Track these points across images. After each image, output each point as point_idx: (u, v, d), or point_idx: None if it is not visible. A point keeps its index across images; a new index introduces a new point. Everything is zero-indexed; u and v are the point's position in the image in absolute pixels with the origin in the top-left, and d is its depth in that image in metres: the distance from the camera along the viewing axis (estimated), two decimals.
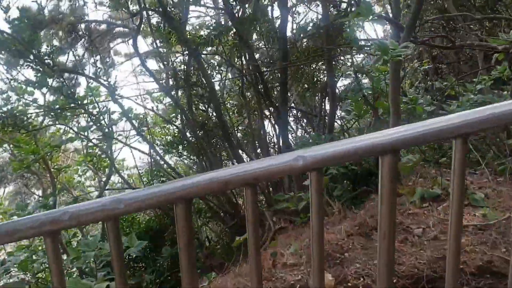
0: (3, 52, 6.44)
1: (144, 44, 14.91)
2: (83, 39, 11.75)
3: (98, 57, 7.28)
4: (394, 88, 3.64)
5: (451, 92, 5.26)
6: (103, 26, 12.58)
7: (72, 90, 7.25)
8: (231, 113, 8.19)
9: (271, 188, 6.86)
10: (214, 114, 7.11)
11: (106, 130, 7.52)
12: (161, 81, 7.95)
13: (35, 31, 6.59)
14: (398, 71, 3.72)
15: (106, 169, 8.78)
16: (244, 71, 7.24)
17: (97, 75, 7.08)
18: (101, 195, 8.17)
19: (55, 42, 12.05)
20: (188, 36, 6.77)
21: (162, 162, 7.78)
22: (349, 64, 7.48)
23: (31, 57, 6.43)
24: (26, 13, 6.66)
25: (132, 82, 12.07)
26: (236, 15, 6.58)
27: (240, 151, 7.17)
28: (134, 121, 7.81)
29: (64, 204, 9.71)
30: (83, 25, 12.15)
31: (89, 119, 7.60)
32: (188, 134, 7.80)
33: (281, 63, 6.21)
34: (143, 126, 7.73)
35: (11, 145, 7.74)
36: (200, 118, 7.48)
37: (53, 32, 11.98)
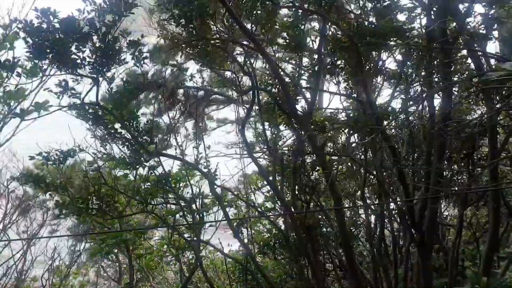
0: (99, 127, 5.74)
1: (239, 114, 14.45)
2: (179, 104, 11.37)
3: (200, 143, 6.35)
4: None
5: None
6: (201, 93, 12.22)
7: (165, 171, 6.38)
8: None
9: None
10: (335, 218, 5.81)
11: (197, 216, 6.54)
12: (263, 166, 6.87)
13: (136, 106, 5.90)
14: None
15: (191, 258, 7.75)
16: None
17: (197, 161, 6.16)
18: None
19: (151, 109, 11.77)
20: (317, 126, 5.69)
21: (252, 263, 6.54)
22: None
23: (127, 135, 5.68)
24: (128, 84, 6.02)
25: (224, 153, 11.16)
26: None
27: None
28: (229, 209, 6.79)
29: None
30: (181, 91, 11.87)
31: (180, 202, 6.66)
32: (287, 232, 6.55)
33: None
34: (241, 222, 6.60)
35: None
36: (311, 219, 6.19)
37: (152, 98, 11.76)
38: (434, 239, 5.43)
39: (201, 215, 6.61)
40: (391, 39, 5.13)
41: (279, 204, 7.14)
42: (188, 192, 6.71)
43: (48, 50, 4.50)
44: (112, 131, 5.53)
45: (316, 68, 5.73)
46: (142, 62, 5.58)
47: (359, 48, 4.91)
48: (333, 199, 5.81)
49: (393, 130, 5.40)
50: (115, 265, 10.49)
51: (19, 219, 7.91)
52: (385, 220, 6.25)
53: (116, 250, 6.96)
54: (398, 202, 5.49)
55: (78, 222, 10.63)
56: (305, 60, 6.56)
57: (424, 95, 5.45)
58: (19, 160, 7.61)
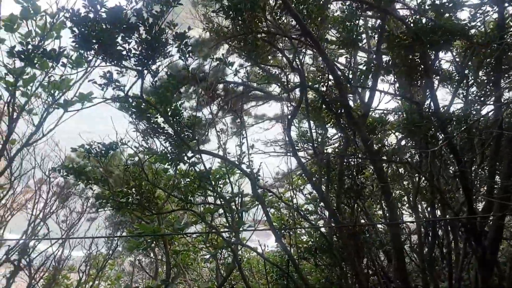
0: (141, 121, 5.61)
1: (278, 109, 14.18)
2: (219, 99, 11.25)
3: (244, 142, 6.11)
4: None
5: None
6: (240, 88, 12.04)
7: (205, 167, 6.20)
8: None
9: None
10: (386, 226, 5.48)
11: (236, 216, 6.34)
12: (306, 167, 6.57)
13: (177, 99, 5.73)
14: None
15: (227, 256, 7.58)
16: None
17: (240, 160, 5.95)
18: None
19: (191, 103, 11.69)
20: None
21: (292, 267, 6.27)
22: None
23: (170, 130, 5.53)
24: (171, 78, 5.87)
25: (262, 150, 10.91)
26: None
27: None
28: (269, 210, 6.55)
29: None
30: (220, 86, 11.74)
31: (219, 201, 6.47)
32: (331, 237, 6.25)
33: None
34: (283, 226, 6.35)
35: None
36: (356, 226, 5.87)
37: (192, 92, 11.68)
38: (497, 256, 5.01)
39: (240, 214, 6.42)
40: (455, 37, 4.73)
41: (321, 207, 6.86)
42: (228, 191, 6.53)
43: (94, 41, 4.37)
44: (155, 125, 5.39)
45: (372, 66, 5.38)
46: (187, 55, 5.42)
47: (421, 47, 4.55)
48: (387, 207, 5.47)
49: (455, 135, 4.99)
50: (151, 257, 10.54)
51: (59, 208, 7.96)
52: (438, 231, 5.88)
53: (153, 245, 6.88)
54: (461, 215, 5.09)
55: (116, 213, 10.73)
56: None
57: (490, 98, 5.03)
58: (61, 150, 7.65)
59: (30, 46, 4.19)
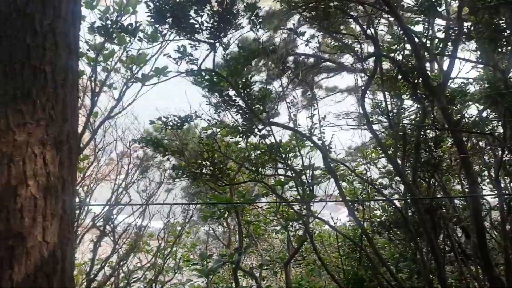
0: (214, 94, 5.71)
1: (350, 81, 13.81)
2: (289, 71, 11.14)
3: (315, 114, 6.01)
4: None
5: None
6: (311, 60, 11.83)
7: (276, 140, 6.21)
8: None
9: None
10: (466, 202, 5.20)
11: (307, 189, 6.32)
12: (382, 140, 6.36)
13: (248, 72, 5.75)
14: None
15: (297, 229, 7.61)
16: None
17: (311, 133, 5.89)
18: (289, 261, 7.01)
19: (261, 76, 11.68)
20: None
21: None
22: None
23: (241, 102, 5.59)
24: (242, 50, 5.89)
25: (333, 123, 10.69)
26: None
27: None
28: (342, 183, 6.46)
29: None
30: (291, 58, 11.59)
31: (290, 173, 6.48)
32: (406, 212, 6.05)
33: None
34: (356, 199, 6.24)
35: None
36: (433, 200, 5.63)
37: (262, 65, 11.67)
38: None
39: (311, 187, 6.40)
40: None
41: (397, 181, 6.65)
42: (298, 164, 6.52)
43: (168, 15, 4.48)
44: (226, 98, 5.46)
45: (452, 33, 5.03)
46: (258, 26, 5.39)
47: (509, 9, 4.16)
48: (467, 181, 5.18)
49: None
50: (224, 227, 10.90)
51: (139, 178, 8.42)
52: None
53: (226, 215, 7.08)
54: None
55: (191, 184, 11.15)
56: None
57: None
58: (140, 123, 8.02)
59: (108, 22, 4.38)
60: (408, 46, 5.50)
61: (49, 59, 2.04)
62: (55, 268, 1.98)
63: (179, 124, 5.39)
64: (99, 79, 5.14)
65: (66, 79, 2.12)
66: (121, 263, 8.00)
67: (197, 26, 4.63)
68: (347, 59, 11.32)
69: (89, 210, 7.26)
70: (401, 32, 5.55)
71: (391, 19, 8.18)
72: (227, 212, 6.55)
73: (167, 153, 5.30)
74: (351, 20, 7.01)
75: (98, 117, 5.76)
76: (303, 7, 5.58)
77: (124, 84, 5.22)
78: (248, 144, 6.70)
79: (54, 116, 2.04)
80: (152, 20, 4.52)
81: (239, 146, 7.02)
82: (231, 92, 5.52)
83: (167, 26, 4.67)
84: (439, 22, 7.47)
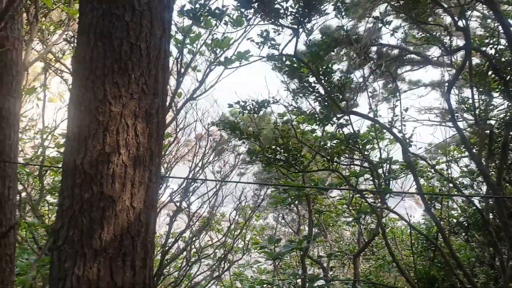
0: (293, 80, 5.72)
1: (435, 75, 13.13)
2: (371, 62, 10.81)
3: (397, 105, 5.81)
4: None
5: None
6: (395, 51, 11.39)
7: (353, 130, 6.10)
8: None
9: None
10: None
11: (383, 182, 6.16)
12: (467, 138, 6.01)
13: (329, 59, 5.68)
14: None
15: (369, 222, 7.47)
16: None
17: (391, 125, 5.71)
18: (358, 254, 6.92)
19: (343, 65, 11.46)
20: None
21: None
22: None
23: (320, 89, 5.54)
24: (325, 37, 5.83)
25: (415, 118, 10.25)
26: None
27: None
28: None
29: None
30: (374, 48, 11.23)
31: (367, 165, 6.34)
32: (487, 213, 5.69)
33: None
34: (434, 197, 5.98)
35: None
36: None
37: (343, 54, 11.44)
38: None
39: (387, 181, 6.22)
40: None
41: (479, 181, 6.27)
42: (376, 156, 6.36)
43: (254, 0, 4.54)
44: (306, 84, 5.45)
45: None
46: (342, 14, 5.31)
47: None
48: None
49: None
50: (292, 214, 10.98)
51: (214, 160, 8.69)
52: None
53: (297, 202, 7.12)
54: None
55: (263, 169, 11.31)
56: None
57: None
58: (219, 106, 8.26)
59: (197, 5, 4.52)
60: (502, 40, 5.15)
61: (145, 37, 2.18)
62: (139, 231, 2.14)
63: (256, 109, 5.48)
64: (185, 61, 5.34)
65: (159, 57, 2.24)
66: (194, 239, 8.35)
67: (281, 11, 4.65)
68: (434, 51, 10.76)
69: (168, 185, 7.62)
70: (497, 24, 5.19)
71: (485, 11, 7.66)
72: (298, 199, 6.59)
73: (243, 136, 5.41)
74: (440, 10, 6.67)
75: (181, 98, 5.99)
76: None
77: (207, 67, 5.38)
78: (324, 133, 6.65)
79: (147, 90, 2.17)
80: (239, 4, 4.61)
81: (314, 134, 6.98)
82: (311, 79, 5.49)
83: (252, 10, 4.73)
84: None
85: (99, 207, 2.04)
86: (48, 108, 8.14)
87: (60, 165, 5.93)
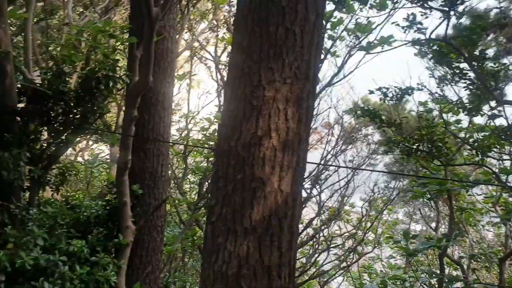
0: (440, 66, 5.31)
1: None
2: None
3: None
4: None
5: None
6: None
7: (508, 122, 5.46)
8: None
9: None
10: None
11: None
12: None
13: (482, 44, 5.15)
14: None
15: None
16: None
17: None
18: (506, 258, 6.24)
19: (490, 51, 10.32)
20: None
21: None
22: None
23: (472, 76, 5.06)
24: (478, 19, 5.29)
25: None
26: None
27: None
28: None
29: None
30: None
31: None
32: None
33: None
34: None
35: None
36: None
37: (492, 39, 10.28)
38: None
39: None
40: None
41: None
42: None
43: None
44: (456, 70, 5.01)
45: None
46: None
47: None
48: None
49: None
50: (425, 209, 10.32)
51: (347, 149, 8.54)
52: None
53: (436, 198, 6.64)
54: None
55: (394, 161, 10.80)
56: None
57: None
58: (355, 93, 8.06)
59: None
60: None
61: (300, 21, 2.18)
62: (286, 214, 2.17)
63: (398, 96, 5.21)
64: (324, 46, 5.29)
65: (312, 42, 2.23)
66: (323, 227, 8.34)
67: None
68: None
69: None
70: None
71: None
72: (439, 193, 6.13)
73: (383, 125, 5.19)
74: None
75: (319, 84, 5.96)
76: None
77: (348, 53, 5.26)
78: (471, 124, 6.10)
79: (299, 75, 2.18)
80: None
81: (459, 125, 6.43)
82: (462, 65, 5.03)
83: None
84: None
85: (250, 188, 2.12)
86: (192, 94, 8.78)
87: (205, 147, 6.37)
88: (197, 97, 9.42)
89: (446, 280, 5.63)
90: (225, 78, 7.89)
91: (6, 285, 3.54)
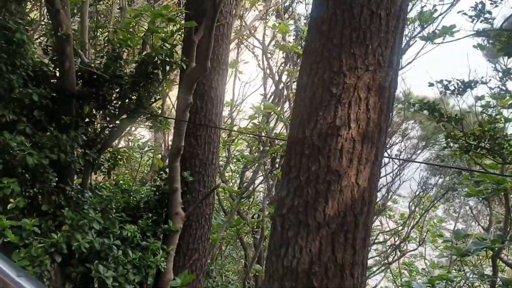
0: (505, 59, 5.00)
1: None
2: None
3: None
4: None
5: None
6: None
7: None
8: None
9: None
10: None
11: None
12: None
13: None
14: None
15: None
16: None
17: None
18: None
19: None
20: None
21: None
22: None
23: None
24: None
25: None
26: None
27: None
28: None
29: None
30: None
31: None
32: None
33: None
34: None
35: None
36: None
37: None
38: None
39: None
40: None
41: None
42: None
43: None
44: None
45: None
46: None
47: None
48: None
49: None
50: (466, 208, 9.95)
51: (397, 141, 8.30)
52: None
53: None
54: None
55: (435, 156, 10.41)
56: None
57: None
58: (408, 85, 7.77)
59: None
60: None
61: (385, 4, 2.02)
62: (362, 210, 2.04)
63: (461, 89, 4.93)
64: None
65: (397, 26, 2.07)
66: None
67: None
68: None
69: None
70: None
71: None
72: (496, 192, 5.83)
73: (442, 119, 4.94)
74: None
75: None
76: None
77: (406, 43, 5.03)
78: None
79: (382, 62, 2.03)
80: None
81: None
82: None
83: None
84: None
85: (325, 180, 2.00)
86: (231, 82, 8.68)
87: (259, 134, 6.28)
88: (241, 85, 9.34)
89: (501, 283, 5.35)
90: (272, 67, 7.75)
91: (60, 266, 3.58)
